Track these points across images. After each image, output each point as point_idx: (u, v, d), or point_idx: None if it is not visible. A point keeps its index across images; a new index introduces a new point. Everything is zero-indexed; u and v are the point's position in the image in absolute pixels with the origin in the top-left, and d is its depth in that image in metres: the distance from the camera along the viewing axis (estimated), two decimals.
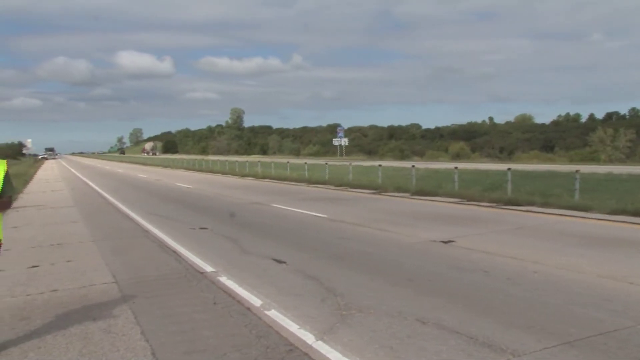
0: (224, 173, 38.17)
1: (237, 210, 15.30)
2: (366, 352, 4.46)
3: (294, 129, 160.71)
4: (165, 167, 55.42)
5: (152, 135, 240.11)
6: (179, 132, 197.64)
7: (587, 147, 76.91)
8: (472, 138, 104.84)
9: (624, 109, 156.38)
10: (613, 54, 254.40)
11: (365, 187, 20.89)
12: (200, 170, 45.78)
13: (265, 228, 11.80)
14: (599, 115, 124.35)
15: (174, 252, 9.09)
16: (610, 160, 60.34)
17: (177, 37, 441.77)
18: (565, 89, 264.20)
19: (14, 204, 15.91)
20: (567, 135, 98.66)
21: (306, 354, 4.46)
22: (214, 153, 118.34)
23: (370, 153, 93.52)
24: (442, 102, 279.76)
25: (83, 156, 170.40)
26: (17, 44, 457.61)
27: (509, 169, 16.84)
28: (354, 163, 32.30)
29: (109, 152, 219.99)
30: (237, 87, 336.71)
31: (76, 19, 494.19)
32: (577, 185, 14.05)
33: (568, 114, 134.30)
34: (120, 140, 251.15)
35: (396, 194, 18.19)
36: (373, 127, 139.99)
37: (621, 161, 56.37)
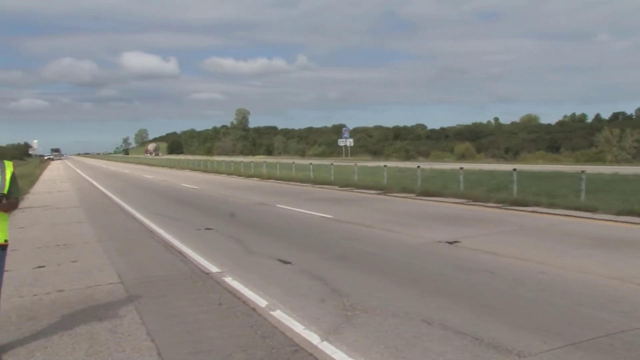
0: (229, 174, 38.23)
1: (242, 211, 15.32)
2: (372, 352, 4.46)
3: (299, 130, 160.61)
4: (171, 167, 55.53)
5: (157, 135, 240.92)
6: (185, 132, 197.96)
7: (593, 147, 76.46)
8: (478, 138, 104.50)
9: (630, 109, 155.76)
10: (619, 54, 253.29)
11: (371, 187, 20.88)
12: (205, 170, 45.86)
13: (270, 228, 11.81)
14: (605, 115, 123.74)
15: (180, 252, 9.11)
16: (617, 161, 60.02)
17: (183, 37, 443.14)
18: (571, 89, 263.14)
19: (20, 205, 15.95)
20: (573, 136, 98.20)
21: (311, 355, 4.45)
22: (219, 154, 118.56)
23: (376, 153, 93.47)
24: (448, 102, 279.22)
25: (88, 157, 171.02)
26: (23, 45, 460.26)
27: (514, 169, 16.79)
28: (359, 163, 32.28)
29: (115, 152, 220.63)
30: (242, 88, 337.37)
31: (82, 20, 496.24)
32: (583, 186, 13.99)
33: (574, 114, 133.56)
34: (125, 140, 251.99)
35: (401, 195, 18.16)
36: (378, 128, 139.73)
37: (628, 161, 56.06)
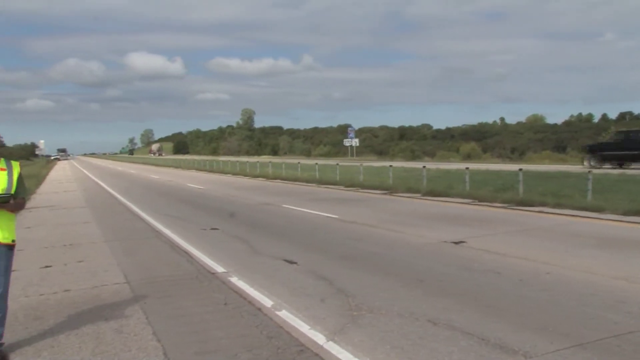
0: (234, 174, 38.27)
1: (248, 211, 15.34)
2: (377, 352, 4.45)
3: (305, 130, 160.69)
4: (177, 167, 55.66)
5: (163, 136, 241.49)
6: (190, 132, 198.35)
7: None
8: (483, 138, 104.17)
9: (637, 109, 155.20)
10: (626, 53, 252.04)
11: (376, 187, 20.85)
12: (211, 171, 45.93)
13: (276, 229, 11.82)
14: (612, 115, 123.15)
15: (186, 252, 9.13)
16: None
17: (188, 38, 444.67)
18: (577, 89, 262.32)
19: (27, 205, 16.05)
20: (579, 136, 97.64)
21: (317, 355, 4.45)
22: (225, 154, 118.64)
23: (381, 153, 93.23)
24: (453, 102, 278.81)
25: (94, 157, 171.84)
26: (29, 46, 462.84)
27: (520, 169, 16.73)
28: (365, 164, 32.24)
29: (120, 152, 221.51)
30: (247, 88, 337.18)
31: (87, 21, 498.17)
32: (590, 186, 13.93)
33: (580, 114, 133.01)
34: (131, 141, 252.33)
35: (407, 195, 18.13)
36: (384, 128, 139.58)
37: None
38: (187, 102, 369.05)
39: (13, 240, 4.71)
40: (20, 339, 5.02)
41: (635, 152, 26.29)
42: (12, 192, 4.62)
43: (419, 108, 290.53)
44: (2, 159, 4.72)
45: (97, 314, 5.76)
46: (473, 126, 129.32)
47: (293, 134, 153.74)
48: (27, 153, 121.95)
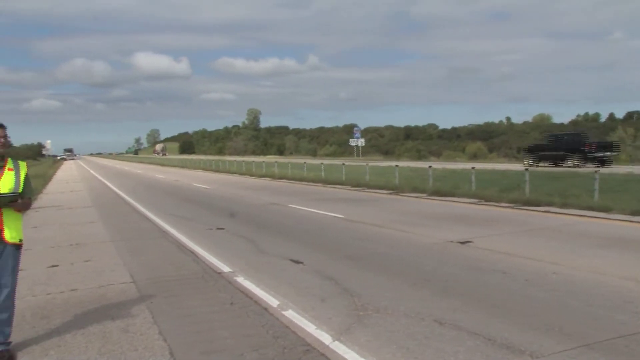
0: (240, 173, 38.30)
1: (254, 210, 15.36)
2: (383, 352, 4.45)
3: (311, 130, 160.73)
4: (183, 167, 55.77)
5: (169, 135, 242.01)
6: (196, 132, 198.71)
7: None
8: (490, 138, 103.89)
9: None
10: (633, 52, 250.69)
11: (382, 187, 20.82)
12: (217, 170, 45.98)
13: (282, 228, 11.82)
14: (619, 114, 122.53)
15: (192, 252, 9.15)
16: (631, 160, 59.40)
17: (194, 38, 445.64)
18: (584, 89, 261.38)
19: (34, 205, 16.12)
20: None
21: (323, 355, 4.45)
22: (231, 154, 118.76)
23: (387, 153, 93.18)
24: (459, 102, 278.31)
25: (101, 157, 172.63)
26: (36, 47, 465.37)
27: (526, 169, 16.67)
28: (371, 163, 32.23)
29: (126, 152, 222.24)
30: (253, 88, 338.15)
31: (93, 21, 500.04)
32: (597, 186, 13.86)
33: (587, 113, 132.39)
34: (137, 141, 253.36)
35: (413, 195, 18.10)
36: (389, 128, 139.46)
37: None
38: (193, 102, 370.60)
39: (20, 240, 4.73)
40: (27, 338, 5.04)
41: (564, 153, 32.14)
42: (20, 191, 4.65)
43: (425, 108, 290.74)
44: (10, 159, 4.75)
45: (103, 313, 5.78)
46: (479, 126, 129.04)
47: (299, 133, 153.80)
48: (33, 153, 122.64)
